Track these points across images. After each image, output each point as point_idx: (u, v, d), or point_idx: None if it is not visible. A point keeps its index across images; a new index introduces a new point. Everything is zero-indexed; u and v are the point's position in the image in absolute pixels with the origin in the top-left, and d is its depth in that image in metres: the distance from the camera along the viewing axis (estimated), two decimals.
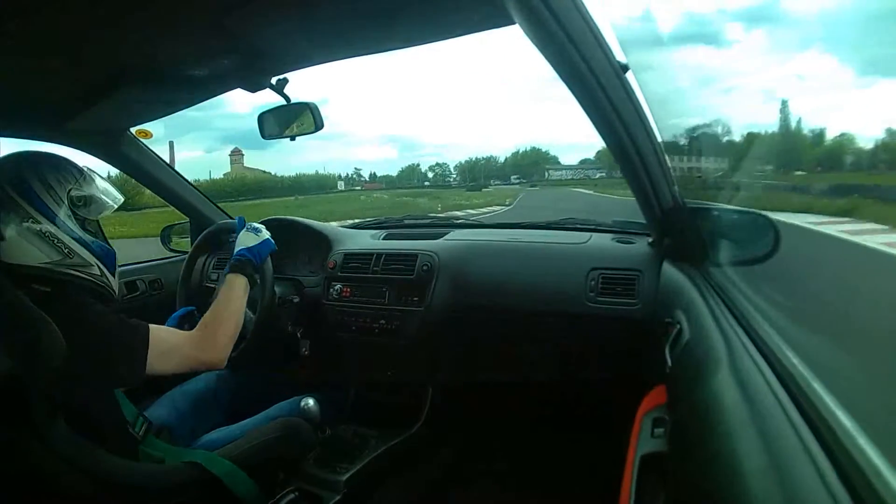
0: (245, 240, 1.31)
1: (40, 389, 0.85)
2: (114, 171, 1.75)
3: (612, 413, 1.09)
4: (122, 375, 1.02)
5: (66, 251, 1.00)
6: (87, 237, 1.04)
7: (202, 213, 1.89)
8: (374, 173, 64.84)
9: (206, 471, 1.08)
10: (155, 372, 1.04)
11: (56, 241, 0.99)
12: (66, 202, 1.01)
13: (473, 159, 68.11)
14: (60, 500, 0.92)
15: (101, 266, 1.05)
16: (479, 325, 1.56)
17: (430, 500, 1.62)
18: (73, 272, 1.01)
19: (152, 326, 1.05)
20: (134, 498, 0.99)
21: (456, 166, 66.34)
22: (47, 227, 0.98)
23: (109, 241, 1.11)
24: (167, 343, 1.06)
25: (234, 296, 1.20)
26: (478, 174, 59.88)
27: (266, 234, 1.34)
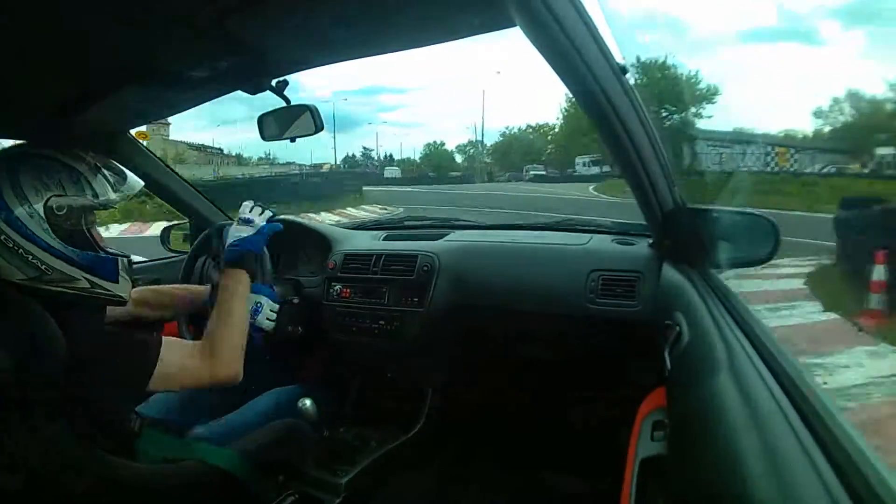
0: (237, 232, 1.21)
1: (40, 389, 0.85)
2: None
3: (612, 415, 1.09)
4: (121, 396, 0.96)
5: (43, 267, 0.91)
6: (69, 250, 0.94)
7: (202, 214, 1.90)
8: (391, 154, 48.56)
9: (208, 466, 1.08)
10: (157, 390, 0.98)
11: (31, 257, 0.90)
12: (41, 213, 0.90)
13: (511, 131, 44.27)
14: (61, 502, 0.92)
15: (91, 277, 0.97)
16: (479, 326, 1.56)
17: (431, 502, 1.61)
18: (56, 288, 0.93)
19: (164, 342, 0.98)
20: (136, 499, 0.99)
21: (493, 145, 45.69)
22: (19, 241, 0.89)
23: None
24: (173, 363, 0.98)
25: (235, 297, 1.11)
26: (514, 157, 39.48)
27: (260, 221, 1.23)
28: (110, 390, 0.95)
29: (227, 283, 1.14)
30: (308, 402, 1.41)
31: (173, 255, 2.01)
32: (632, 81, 0.85)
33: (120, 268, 1.02)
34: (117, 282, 1.02)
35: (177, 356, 1.00)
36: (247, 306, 1.20)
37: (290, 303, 1.61)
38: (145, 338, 1.00)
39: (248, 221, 1.23)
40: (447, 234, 1.74)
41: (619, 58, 0.80)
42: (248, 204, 1.28)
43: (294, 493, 1.30)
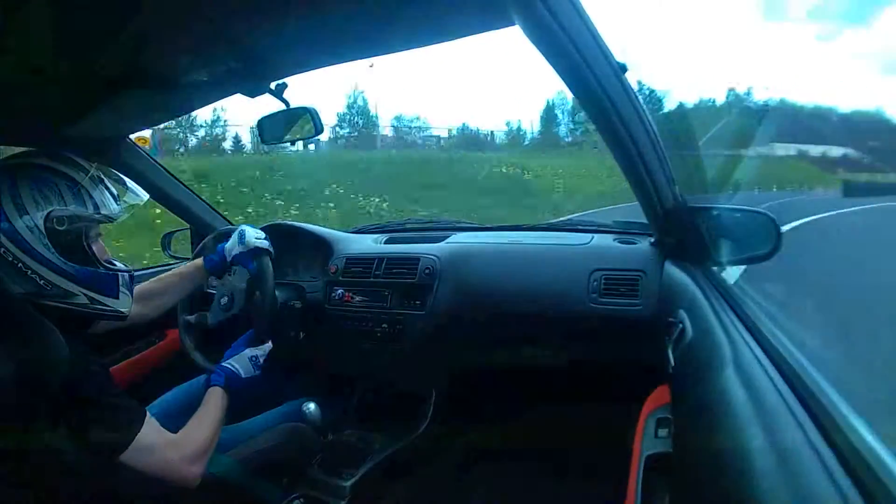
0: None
1: (45, 396, 0.85)
2: None
3: (616, 414, 1.09)
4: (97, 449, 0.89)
5: (41, 283, 0.90)
6: (68, 265, 0.92)
7: (203, 220, 1.89)
8: None
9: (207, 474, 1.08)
10: (123, 463, 0.89)
11: (30, 271, 0.89)
12: (41, 227, 0.89)
13: None
14: None
15: (90, 293, 0.96)
16: (482, 327, 1.55)
17: None
18: (54, 304, 0.92)
19: (148, 418, 0.93)
20: None
21: None
22: (18, 255, 0.88)
23: None
24: (150, 438, 0.92)
25: (211, 414, 1.08)
26: None
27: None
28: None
29: (209, 399, 1.11)
30: (312, 405, 1.41)
31: (174, 261, 2.01)
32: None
33: (120, 283, 1.02)
34: (117, 297, 1.01)
35: (154, 434, 0.94)
36: (234, 240, 1.32)
37: (293, 307, 1.60)
38: (136, 406, 0.94)
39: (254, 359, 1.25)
40: (448, 237, 1.73)
41: (619, 56, 0.81)
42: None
43: (299, 496, 1.30)
